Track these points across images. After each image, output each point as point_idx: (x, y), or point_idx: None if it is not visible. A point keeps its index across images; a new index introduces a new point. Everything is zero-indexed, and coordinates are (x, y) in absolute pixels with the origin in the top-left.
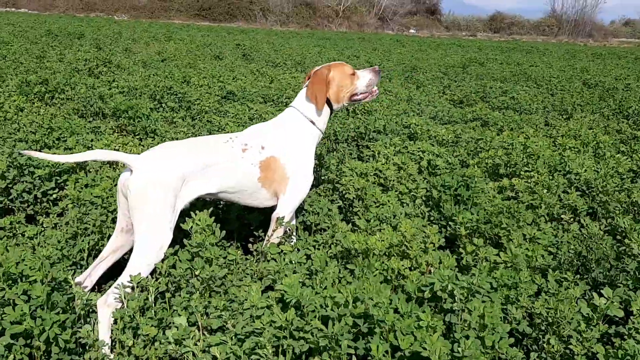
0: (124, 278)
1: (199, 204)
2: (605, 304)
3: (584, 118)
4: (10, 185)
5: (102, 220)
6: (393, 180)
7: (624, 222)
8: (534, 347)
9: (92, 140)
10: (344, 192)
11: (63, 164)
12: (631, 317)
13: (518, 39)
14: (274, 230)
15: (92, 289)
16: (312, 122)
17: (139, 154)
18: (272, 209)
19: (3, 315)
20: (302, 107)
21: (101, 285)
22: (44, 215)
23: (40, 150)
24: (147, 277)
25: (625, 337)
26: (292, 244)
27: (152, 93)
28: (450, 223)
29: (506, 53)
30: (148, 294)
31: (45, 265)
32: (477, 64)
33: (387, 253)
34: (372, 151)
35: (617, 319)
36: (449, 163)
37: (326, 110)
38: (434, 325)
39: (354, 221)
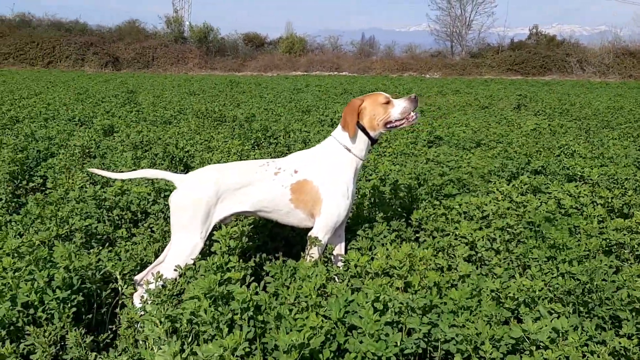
0: (149, 276)
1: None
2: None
3: None
4: (150, 205)
5: (164, 231)
6: (490, 215)
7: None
8: None
9: None
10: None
11: (124, 180)
12: None
13: None
14: (308, 249)
15: None
16: (347, 149)
17: None
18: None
19: (18, 289)
20: (339, 136)
21: None
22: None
23: None
24: (173, 277)
25: None
26: (338, 265)
27: None
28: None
29: None
30: (166, 289)
31: (71, 256)
32: None
33: (383, 273)
34: (491, 188)
35: None
36: (581, 204)
37: (362, 137)
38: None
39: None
